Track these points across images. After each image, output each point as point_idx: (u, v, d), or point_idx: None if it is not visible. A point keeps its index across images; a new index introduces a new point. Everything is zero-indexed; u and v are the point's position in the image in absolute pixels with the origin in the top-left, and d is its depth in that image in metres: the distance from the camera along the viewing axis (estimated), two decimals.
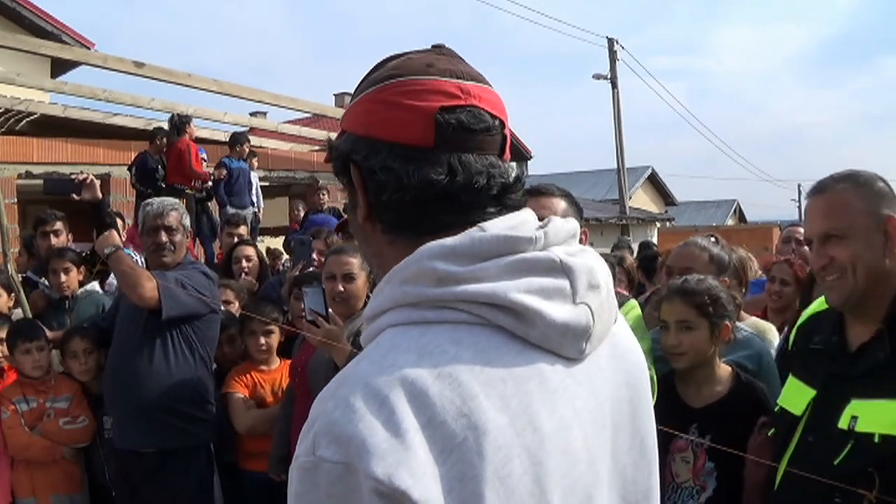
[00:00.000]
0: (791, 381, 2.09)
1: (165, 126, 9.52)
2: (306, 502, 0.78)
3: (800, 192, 53.19)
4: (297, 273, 4.43)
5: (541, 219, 0.98)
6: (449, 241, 0.89)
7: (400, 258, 0.91)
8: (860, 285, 1.85)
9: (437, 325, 0.86)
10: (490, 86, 0.98)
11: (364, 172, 0.94)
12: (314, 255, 4.46)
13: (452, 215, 0.92)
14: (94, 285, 4.89)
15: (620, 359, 1.00)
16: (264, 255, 5.82)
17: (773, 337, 3.27)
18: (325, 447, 0.77)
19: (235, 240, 5.70)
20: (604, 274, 0.97)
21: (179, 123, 9.07)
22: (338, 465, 0.76)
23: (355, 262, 3.32)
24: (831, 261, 1.88)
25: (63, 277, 4.53)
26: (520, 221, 0.94)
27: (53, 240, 5.03)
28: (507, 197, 0.95)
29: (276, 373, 4.01)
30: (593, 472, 0.91)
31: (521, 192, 0.98)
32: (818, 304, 2.15)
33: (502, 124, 0.97)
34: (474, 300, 0.86)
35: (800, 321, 2.22)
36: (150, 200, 3.94)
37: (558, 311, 0.88)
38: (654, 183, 37.06)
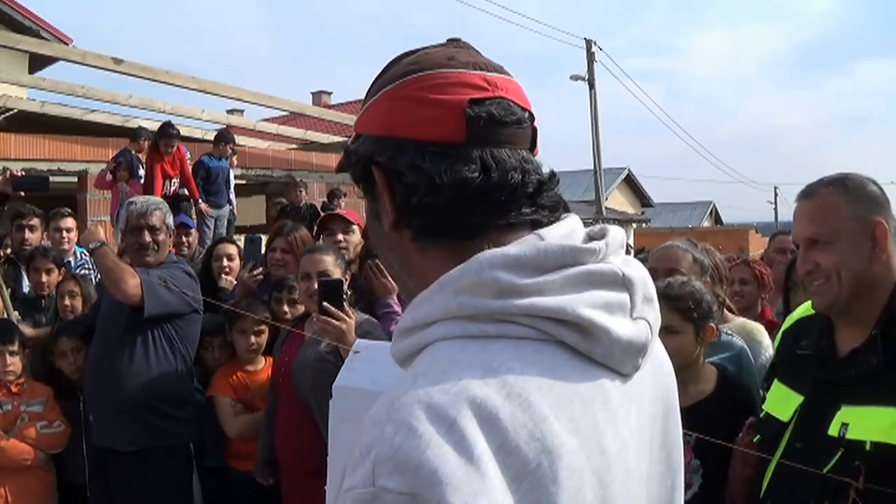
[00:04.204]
0: (777, 386, 2.05)
1: (145, 124, 9.42)
2: None
3: (776, 195, 53.84)
4: (248, 273, 4.31)
5: None
6: (512, 249, 0.82)
7: (432, 267, 0.86)
8: (845, 291, 1.83)
9: (498, 339, 0.79)
10: (513, 77, 0.92)
11: (390, 175, 0.87)
12: (277, 255, 4.25)
13: (487, 217, 0.86)
14: None
15: (657, 372, 0.97)
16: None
17: (763, 337, 3.21)
18: (388, 477, 0.69)
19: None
20: (653, 286, 0.92)
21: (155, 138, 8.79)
22: (402, 497, 0.68)
23: (329, 260, 3.31)
24: (816, 266, 1.86)
25: (45, 277, 4.54)
26: (571, 229, 0.88)
27: (28, 234, 5.05)
28: (542, 195, 0.88)
29: (263, 373, 3.96)
30: (641, 489, 0.88)
31: (558, 191, 0.91)
32: (805, 309, 2.12)
33: (532, 116, 0.90)
34: (539, 314, 0.79)
35: (785, 325, 2.19)
36: (133, 199, 3.90)
37: (622, 326, 0.83)
38: (631, 184, 37.32)
